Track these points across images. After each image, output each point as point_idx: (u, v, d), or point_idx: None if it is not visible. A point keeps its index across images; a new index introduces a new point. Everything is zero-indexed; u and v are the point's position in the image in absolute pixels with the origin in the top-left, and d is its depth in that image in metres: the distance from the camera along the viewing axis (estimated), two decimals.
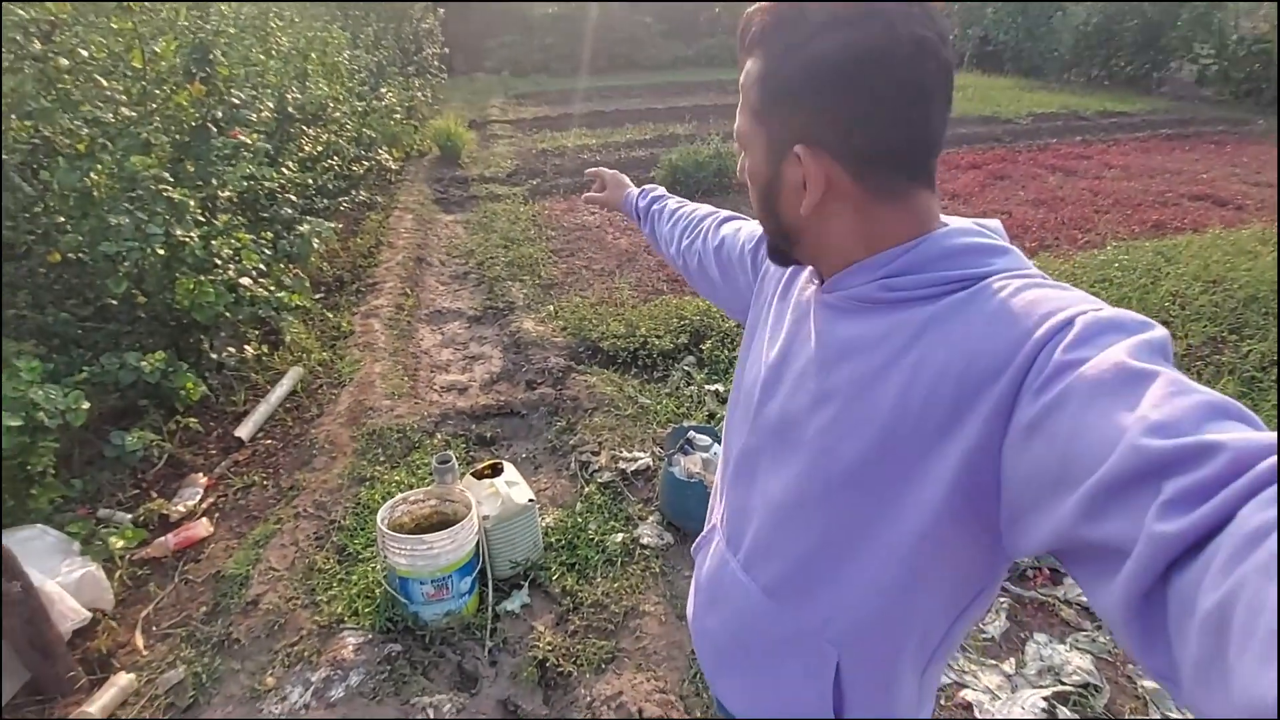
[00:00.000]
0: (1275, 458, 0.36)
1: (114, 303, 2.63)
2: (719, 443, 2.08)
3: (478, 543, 2.20)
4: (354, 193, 5.64)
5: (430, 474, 2.56)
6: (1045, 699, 1.89)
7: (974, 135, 8.90)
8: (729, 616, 0.84)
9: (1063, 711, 1.86)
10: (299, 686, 1.92)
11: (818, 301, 0.73)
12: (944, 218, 0.67)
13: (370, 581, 2.22)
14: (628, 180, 1.41)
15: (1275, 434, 0.39)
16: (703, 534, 0.97)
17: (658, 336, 3.64)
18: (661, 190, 1.32)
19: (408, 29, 9.78)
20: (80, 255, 2.47)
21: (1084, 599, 2.16)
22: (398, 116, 7.45)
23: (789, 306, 0.80)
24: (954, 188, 6.66)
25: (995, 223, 0.69)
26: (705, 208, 1.20)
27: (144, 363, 2.35)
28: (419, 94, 9.18)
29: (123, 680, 1.99)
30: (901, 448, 0.60)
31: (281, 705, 1.87)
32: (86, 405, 2.12)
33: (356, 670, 1.95)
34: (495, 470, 2.46)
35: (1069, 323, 0.51)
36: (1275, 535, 0.32)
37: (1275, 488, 0.35)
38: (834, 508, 0.67)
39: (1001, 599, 2.24)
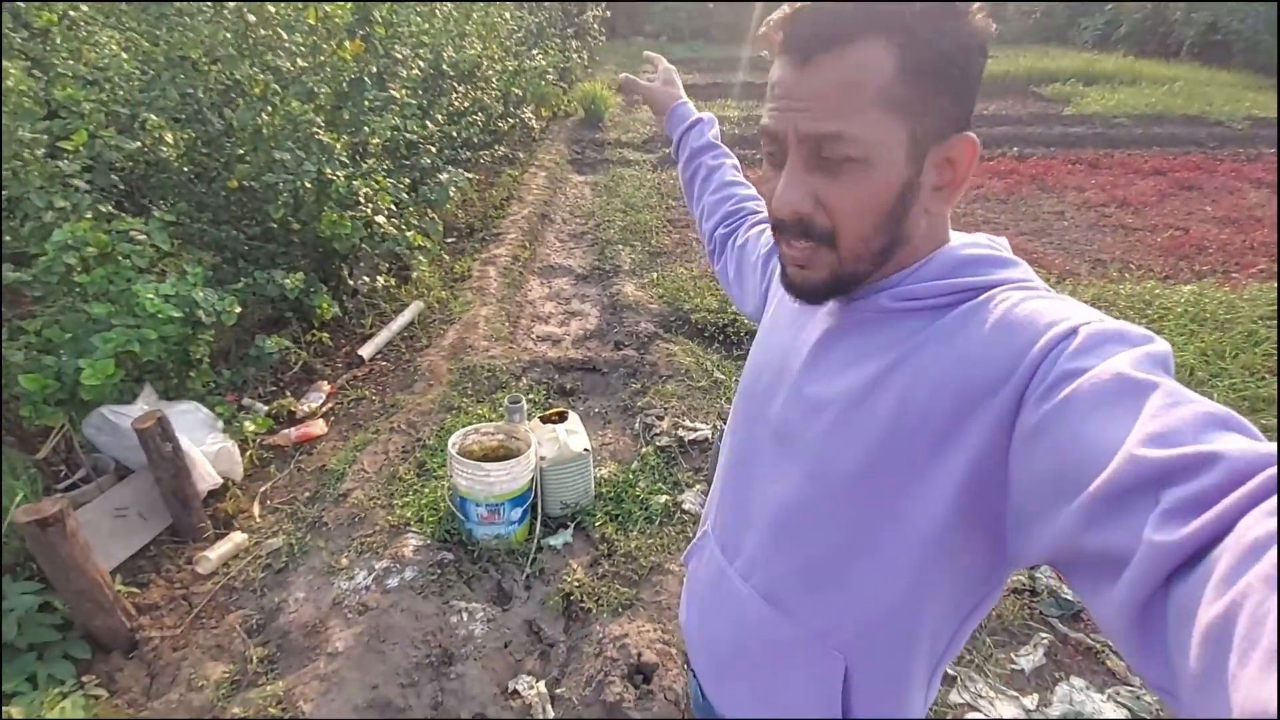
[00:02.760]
0: (1275, 468, 0.36)
1: (274, 227, 3.07)
2: None
3: (533, 479, 2.41)
4: (496, 148, 6.03)
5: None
6: None
7: (1169, 137, 7.84)
8: (729, 625, 0.82)
9: None
10: (364, 571, 2.24)
11: (822, 308, 0.71)
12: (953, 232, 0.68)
13: (438, 496, 2.50)
14: (680, 87, 1.28)
15: (1274, 444, 0.39)
16: (695, 541, 0.94)
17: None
18: (711, 127, 1.21)
19: None
20: (251, 184, 2.91)
21: None
22: (550, 77, 7.80)
23: (790, 310, 0.79)
24: (1126, 195, 5.97)
25: (1003, 240, 0.69)
26: (741, 186, 1.15)
27: (287, 280, 2.76)
28: (575, 55, 9.50)
29: (237, 538, 2.42)
30: (902, 455, 0.60)
31: (349, 583, 2.20)
32: (238, 309, 2.54)
33: (412, 567, 2.24)
34: (562, 418, 2.65)
35: (1072, 332, 0.52)
36: (1277, 546, 0.32)
37: (1275, 498, 0.35)
38: (836, 515, 0.67)
39: (1043, 634, 2.13)
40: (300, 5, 3.04)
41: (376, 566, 2.25)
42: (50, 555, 1.86)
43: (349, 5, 3.39)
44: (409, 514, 2.44)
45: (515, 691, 1.94)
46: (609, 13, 11.86)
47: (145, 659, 2.04)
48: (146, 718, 1.84)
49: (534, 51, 6.92)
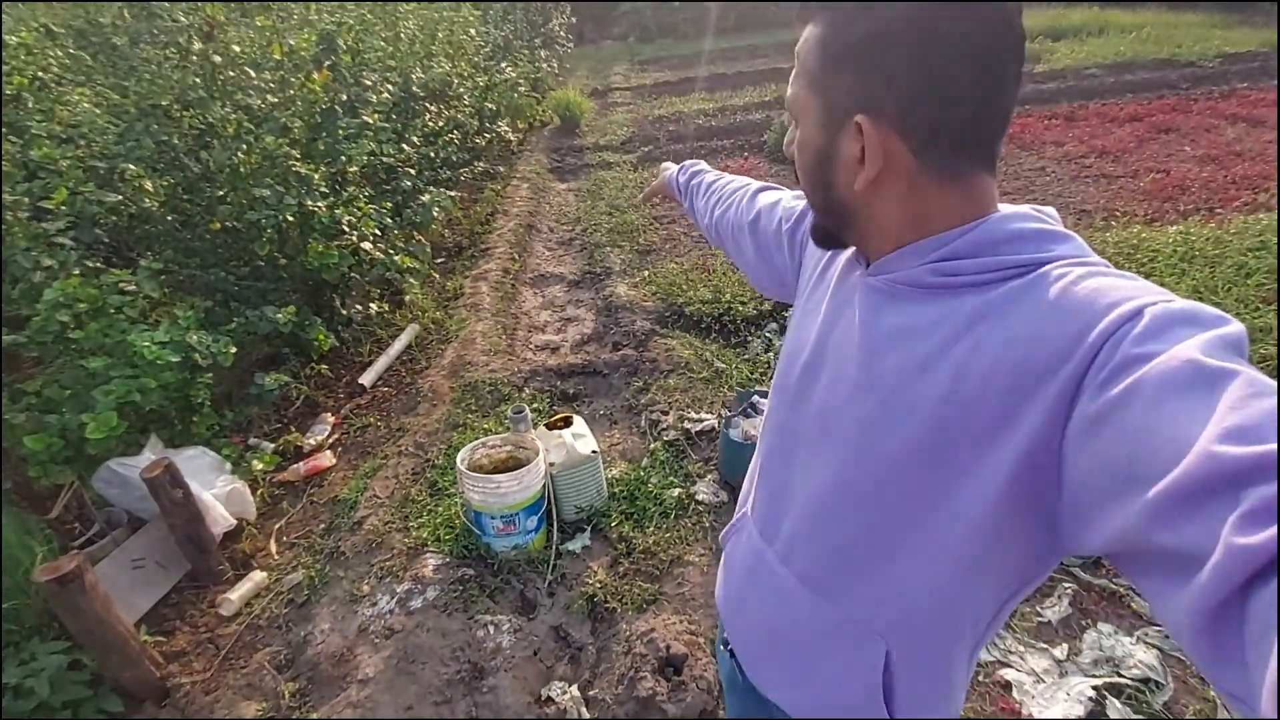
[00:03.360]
0: None
1: (262, 264, 3.08)
2: None
3: (544, 487, 2.42)
4: (476, 164, 6.05)
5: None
6: (1095, 688, 1.82)
7: (1142, 83, 7.86)
8: (767, 609, 0.81)
9: (1114, 706, 1.78)
10: (386, 595, 2.24)
11: (862, 285, 0.69)
12: (1000, 204, 0.64)
13: (453, 513, 2.51)
14: (671, 169, 1.38)
15: None
16: (733, 522, 0.94)
17: (742, 303, 3.68)
18: (702, 165, 1.30)
19: (535, 2, 10.12)
20: (235, 224, 2.92)
21: None
22: (522, 89, 7.81)
23: (828, 288, 0.77)
24: (1105, 144, 5.98)
25: (1051, 210, 0.66)
26: (741, 179, 1.17)
27: (279, 315, 2.77)
28: (545, 65, 9.52)
29: (257, 576, 2.42)
30: (953, 440, 0.58)
31: (372, 609, 2.21)
32: (234, 349, 2.54)
33: (434, 586, 2.24)
34: (567, 423, 2.66)
35: (1138, 313, 0.49)
36: None
37: None
38: (879, 500, 0.65)
39: (1067, 584, 2.13)
40: (264, 43, 3.06)
41: (398, 590, 2.25)
42: (73, 612, 1.86)
43: (313, 38, 3.41)
44: (425, 534, 2.45)
45: (549, 698, 1.94)
46: (574, 19, 11.88)
47: (178, 705, 2.04)
48: None
49: (503, 65, 6.94)
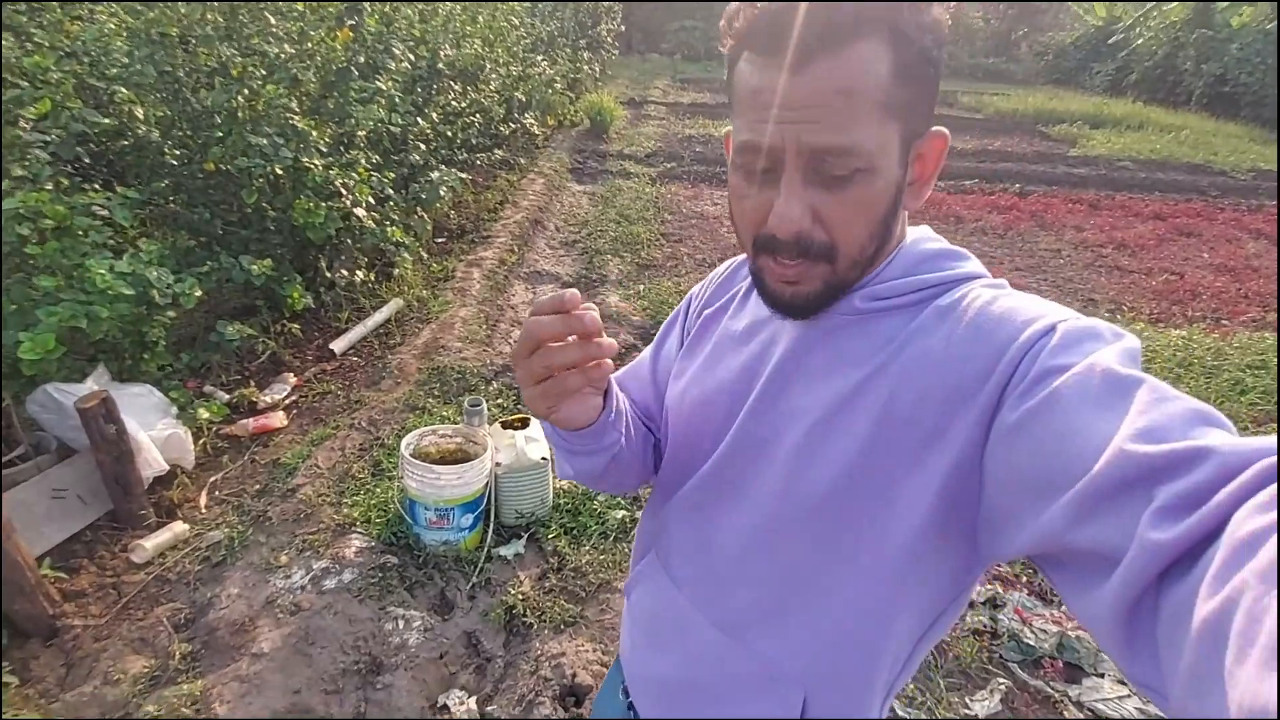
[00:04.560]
0: (1266, 461, 0.36)
1: (249, 212, 3.02)
2: None
3: (487, 485, 2.34)
4: (495, 151, 6.01)
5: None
6: None
7: (1172, 183, 7.85)
8: (678, 658, 0.77)
9: None
10: (302, 570, 2.16)
11: (788, 321, 0.68)
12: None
13: (389, 498, 2.43)
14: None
15: (1262, 439, 0.38)
16: (636, 570, 0.87)
17: None
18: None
19: (587, 4, 10.16)
20: (227, 167, 2.86)
21: (1098, 707, 1.94)
22: (557, 86, 7.80)
23: (740, 323, 0.75)
24: (1124, 236, 5.94)
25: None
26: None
27: (254, 266, 2.70)
28: (585, 67, 9.54)
29: (178, 528, 2.34)
30: (884, 463, 0.58)
31: (285, 581, 2.12)
32: (198, 292, 2.47)
33: (352, 569, 2.16)
34: (524, 424, 2.58)
35: (1051, 329, 0.52)
36: (1271, 541, 0.32)
37: (1267, 492, 0.34)
38: (808, 532, 0.64)
39: (1000, 680, 2.05)
40: None
41: (315, 566, 2.17)
42: None
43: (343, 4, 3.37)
44: (356, 514, 2.37)
45: (445, 706, 1.85)
46: (625, 27, 11.94)
47: (64, 648, 1.95)
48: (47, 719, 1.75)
49: (540, 59, 6.93)
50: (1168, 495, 0.38)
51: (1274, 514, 0.33)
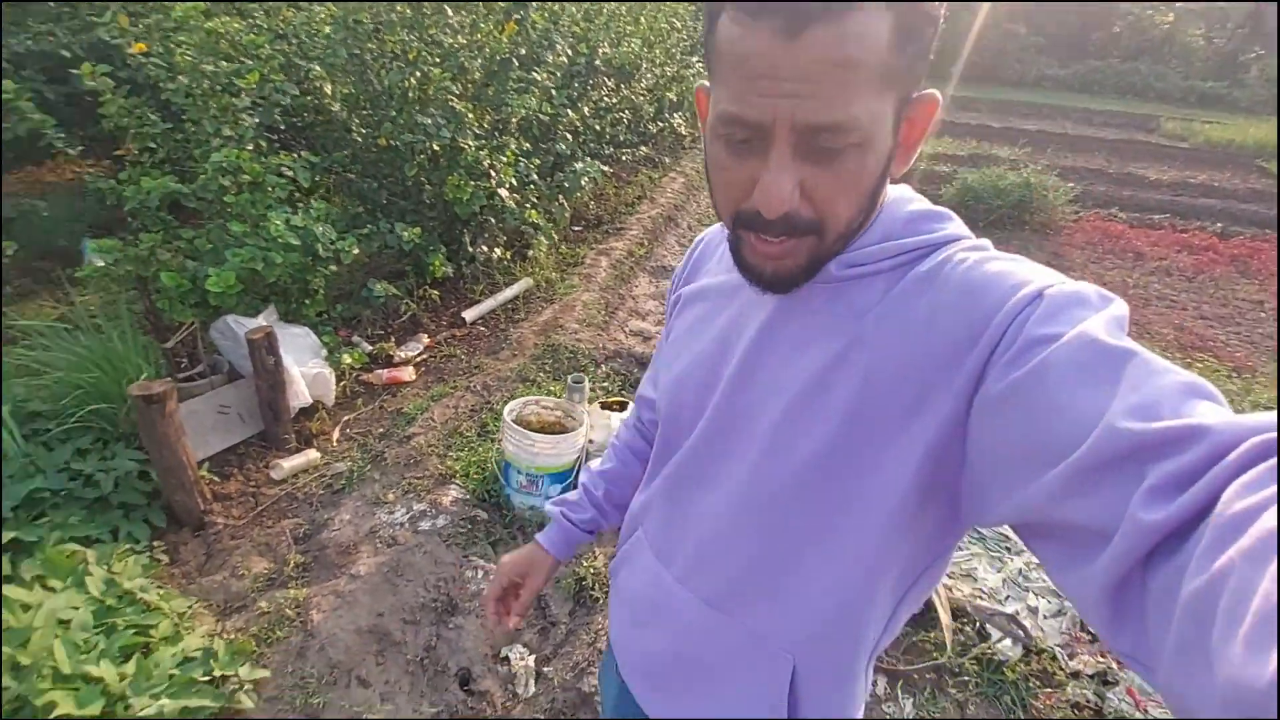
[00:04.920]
0: (1255, 439, 0.36)
1: (409, 184, 3.34)
2: None
3: (578, 460, 2.43)
4: (641, 148, 6.17)
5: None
6: None
7: (1244, 215, 6.68)
8: (668, 634, 0.78)
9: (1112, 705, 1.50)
10: (403, 509, 2.36)
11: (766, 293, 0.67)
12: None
13: (489, 458, 2.59)
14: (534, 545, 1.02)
15: (1253, 416, 0.38)
16: (622, 550, 0.89)
17: None
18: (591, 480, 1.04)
19: None
20: (395, 143, 3.18)
21: None
22: None
23: (714, 297, 0.74)
24: (1170, 262, 5.14)
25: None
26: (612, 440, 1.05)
27: (405, 233, 2.98)
28: None
29: (312, 455, 2.64)
30: (867, 433, 0.57)
31: (389, 516, 2.33)
32: (356, 250, 2.77)
33: (445, 515, 2.33)
34: (623, 407, 2.66)
35: (1038, 296, 0.51)
36: (1259, 519, 0.32)
37: (1255, 470, 0.34)
38: (792, 505, 0.63)
39: None
40: None
41: (415, 508, 2.36)
42: (149, 429, 2.12)
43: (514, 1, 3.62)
44: (458, 467, 2.55)
45: (506, 658, 1.95)
46: None
47: (207, 540, 2.28)
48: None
49: (696, 61, 7.02)
50: (1159, 475, 0.38)
51: (1262, 492, 0.33)
